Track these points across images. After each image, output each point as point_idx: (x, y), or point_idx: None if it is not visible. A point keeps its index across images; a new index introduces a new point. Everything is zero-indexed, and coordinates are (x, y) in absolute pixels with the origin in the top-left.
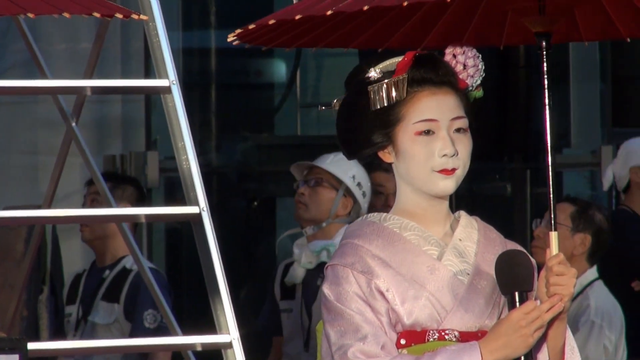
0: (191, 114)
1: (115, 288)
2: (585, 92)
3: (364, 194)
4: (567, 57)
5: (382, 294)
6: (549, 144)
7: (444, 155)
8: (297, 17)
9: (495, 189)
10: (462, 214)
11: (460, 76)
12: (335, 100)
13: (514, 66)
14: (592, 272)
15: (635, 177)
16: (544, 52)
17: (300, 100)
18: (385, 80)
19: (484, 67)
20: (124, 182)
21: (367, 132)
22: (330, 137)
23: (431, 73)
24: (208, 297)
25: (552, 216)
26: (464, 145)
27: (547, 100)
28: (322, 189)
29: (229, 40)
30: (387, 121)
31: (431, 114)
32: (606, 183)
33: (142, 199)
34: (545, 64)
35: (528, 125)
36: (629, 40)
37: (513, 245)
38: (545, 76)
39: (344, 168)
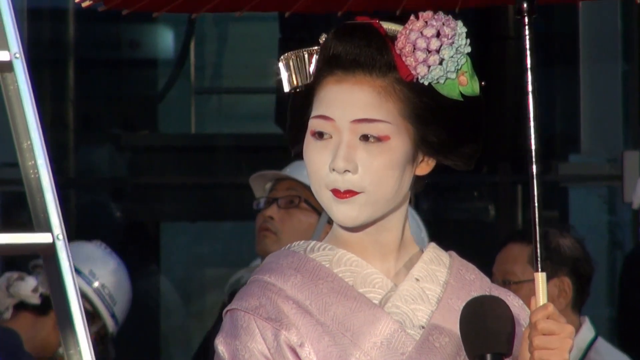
0: (41, 101)
1: None
2: (602, 76)
3: None
4: (576, 27)
5: (293, 351)
6: (533, 150)
7: (333, 169)
8: None
9: (472, 212)
10: (431, 246)
11: (406, 61)
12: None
13: (498, 38)
14: (589, 329)
15: None
16: (525, 18)
17: (196, 84)
18: (293, 55)
19: (457, 53)
20: None
21: (290, 115)
22: (238, 136)
23: (342, 49)
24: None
25: (537, 251)
26: (373, 161)
27: (530, 87)
28: (298, 211)
29: (76, 0)
30: (301, 106)
31: (328, 109)
32: (638, 200)
33: None
34: (527, 37)
35: (519, 123)
36: None
37: (502, 294)
38: (528, 53)
39: None
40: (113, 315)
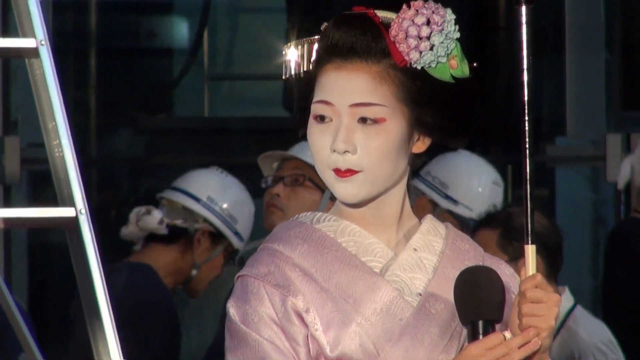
0: (65, 86)
1: None
2: (586, 64)
3: None
4: (562, 19)
5: (299, 316)
6: (526, 133)
7: (334, 150)
8: None
9: None
10: (428, 218)
11: (399, 48)
12: None
13: (490, 28)
14: (567, 298)
15: None
16: (523, 7)
17: (209, 71)
18: (296, 44)
19: (447, 39)
20: None
21: (295, 100)
22: (249, 120)
23: (340, 39)
24: (87, 327)
25: (527, 224)
26: (371, 142)
27: (525, 77)
28: (303, 189)
29: None
30: (305, 91)
31: (328, 95)
32: (622, 180)
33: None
34: (524, 24)
35: (510, 106)
36: None
37: (494, 263)
38: (524, 45)
39: None
40: (236, 233)
